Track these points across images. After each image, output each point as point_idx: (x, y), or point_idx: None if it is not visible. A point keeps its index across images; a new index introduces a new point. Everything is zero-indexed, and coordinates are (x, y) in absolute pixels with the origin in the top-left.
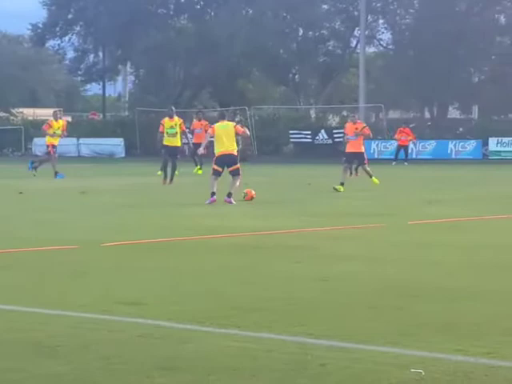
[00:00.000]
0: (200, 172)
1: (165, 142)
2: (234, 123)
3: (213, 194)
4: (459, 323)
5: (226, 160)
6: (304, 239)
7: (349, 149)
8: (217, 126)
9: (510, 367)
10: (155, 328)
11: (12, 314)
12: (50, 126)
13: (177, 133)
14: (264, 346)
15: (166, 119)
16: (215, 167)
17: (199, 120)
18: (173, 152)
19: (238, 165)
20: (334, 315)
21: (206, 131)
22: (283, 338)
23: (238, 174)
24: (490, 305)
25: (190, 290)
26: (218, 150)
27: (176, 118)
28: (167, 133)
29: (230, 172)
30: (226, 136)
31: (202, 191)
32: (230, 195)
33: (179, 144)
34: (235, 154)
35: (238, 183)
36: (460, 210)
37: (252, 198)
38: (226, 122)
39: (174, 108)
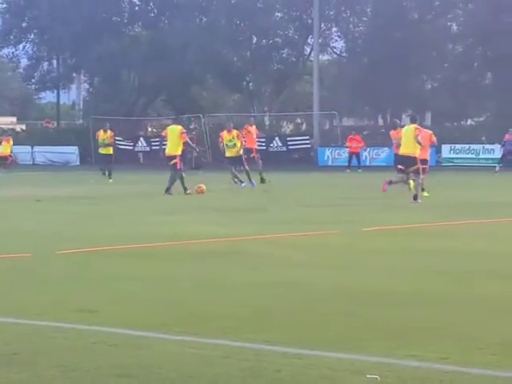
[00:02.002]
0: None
1: (227, 154)
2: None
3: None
4: (413, 328)
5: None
6: (260, 246)
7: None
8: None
9: (464, 372)
10: (110, 335)
11: None
12: None
13: (235, 144)
14: (220, 353)
15: (225, 133)
16: None
17: (229, 132)
18: (237, 161)
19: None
20: (289, 322)
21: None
22: (239, 344)
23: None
24: (442, 310)
25: (146, 297)
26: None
27: (234, 131)
28: (227, 145)
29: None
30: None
31: (161, 199)
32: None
33: (240, 153)
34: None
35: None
36: (414, 216)
37: (203, 191)
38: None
39: (231, 123)
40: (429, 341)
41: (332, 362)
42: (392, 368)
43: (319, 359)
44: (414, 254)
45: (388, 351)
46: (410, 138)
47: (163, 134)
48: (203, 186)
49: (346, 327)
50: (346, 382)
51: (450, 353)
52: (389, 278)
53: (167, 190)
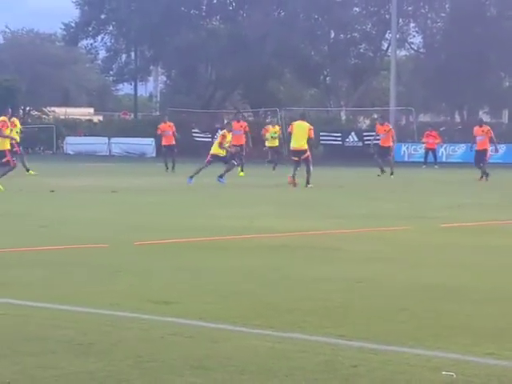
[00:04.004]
0: (242, 174)
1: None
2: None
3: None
4: (491, 326)
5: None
6: (335, 240)
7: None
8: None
9: None
10: (187, 327)
11: (45, 311)
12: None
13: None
14: (296, 347)
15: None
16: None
17: (238, 121)
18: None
19: None
20: (365, 317)
21: (245, 132)
22: (315, 338)
23: None
24: None
25: (222, 289)
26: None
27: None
28: (272, 137)
29: None
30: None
31: (233, 192)
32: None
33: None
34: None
35: None
36: (491, 213)
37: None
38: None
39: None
40: (506, 338)
41: (409, 358)
42: (469, 365)
43: (396, 355)
44: (492, 250)
45: (465, 348)
46: None
47: (289, 129)
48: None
49: (422, 323)
50: (422, 378)
51: None
52: (466, 275)
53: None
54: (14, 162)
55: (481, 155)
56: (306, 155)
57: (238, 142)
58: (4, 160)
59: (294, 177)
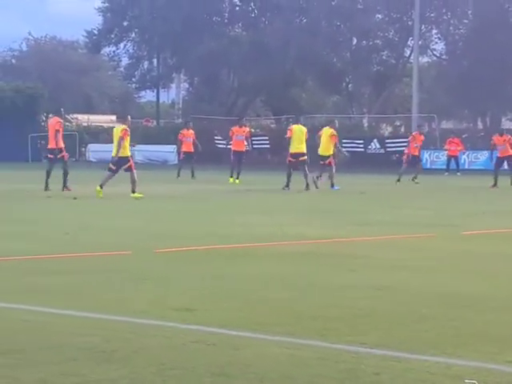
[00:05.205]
0: (234, 181)
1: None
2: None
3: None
4: (511, 334)
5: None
6: (357, 248)
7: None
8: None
9: None
10: (209, 334)
11: (68, 318)
12: None
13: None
14: (317, 355)
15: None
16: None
17: (240, 127)
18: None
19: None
20: (387, 324)
21: (246, 138)
22: (337, 346)
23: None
24: None
25: (244, 296)
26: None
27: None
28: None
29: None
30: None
31: (255, 199)
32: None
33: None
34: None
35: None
36: None
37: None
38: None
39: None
40: None
41: (431, 366)
42: (491, 373)
43: (418, 363)
44: None
45: (487, 356)
46: None
47: (288, 134)
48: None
49: (444, 331)
50: None
51: None
52: (488, 283)
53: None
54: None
55: (501, 162)
56: (303, 158)
57: (239, 147)
58: (127, 166)
59: (317, 177)
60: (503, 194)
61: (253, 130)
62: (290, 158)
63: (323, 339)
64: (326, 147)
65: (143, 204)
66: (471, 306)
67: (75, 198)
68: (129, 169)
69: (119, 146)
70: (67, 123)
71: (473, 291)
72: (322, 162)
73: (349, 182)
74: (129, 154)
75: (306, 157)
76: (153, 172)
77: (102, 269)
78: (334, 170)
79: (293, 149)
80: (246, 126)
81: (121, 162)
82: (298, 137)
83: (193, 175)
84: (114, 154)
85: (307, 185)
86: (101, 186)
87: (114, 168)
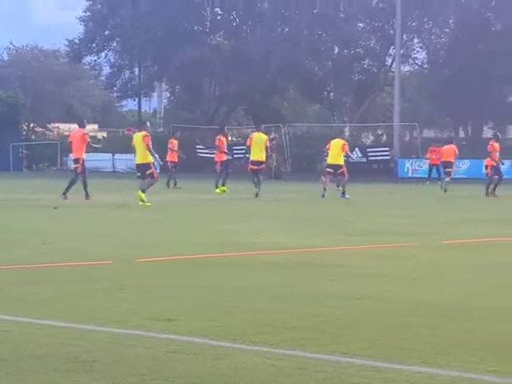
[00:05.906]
0: (219, 191)
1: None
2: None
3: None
4: (493, 344)
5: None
6: (338, 257)
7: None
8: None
9: None
10: (188, 344)
11: (48, 328)
12: None
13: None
14: (297, 364)
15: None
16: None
17: (224, 135)
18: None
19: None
20: (367, 334)
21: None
22: (316, 356)
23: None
24: None
25: (224, 306)
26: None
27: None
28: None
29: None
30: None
31: (236, 208)
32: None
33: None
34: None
35: None
36: (495, 229)
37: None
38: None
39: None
40: (510, 356)
41: (411, 376)
42: (471, 383)
43: (398, 373)
44: (496, 268)
45: (468, 366)
46: None
47: (248, 142)
48: None
49: (425, 340)
50: None
51: None
52: (470, 292)
53: None
54: (157, 174)
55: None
56: (263, 166)
57: (219, 158)
58: (149, 172)
59: (337, 186)
60: (484, 202)
61: (234, 139)
62: (252, 166)
63: (303, 349)
64: (336, 157)
65: (124, 213)
66: (453, 316)
67: (56, 208)
68: (150, 175)
69: (150, 151)
70: (48, 132)
71: (454, 301)
72: (331, 171)
73: (330, 190)
74: (151, 160)
75: (264, 165)
76: (136, 181)
77: (82, 278)
78: (346, 179)
79: (253, 156)
80: (224, 135)
81: (143, 168)
82: (257, 145)
83: (175, 184)
84: (148, 159)
85: (257, 194)
86: (142, 191)
87: (139, 174)
